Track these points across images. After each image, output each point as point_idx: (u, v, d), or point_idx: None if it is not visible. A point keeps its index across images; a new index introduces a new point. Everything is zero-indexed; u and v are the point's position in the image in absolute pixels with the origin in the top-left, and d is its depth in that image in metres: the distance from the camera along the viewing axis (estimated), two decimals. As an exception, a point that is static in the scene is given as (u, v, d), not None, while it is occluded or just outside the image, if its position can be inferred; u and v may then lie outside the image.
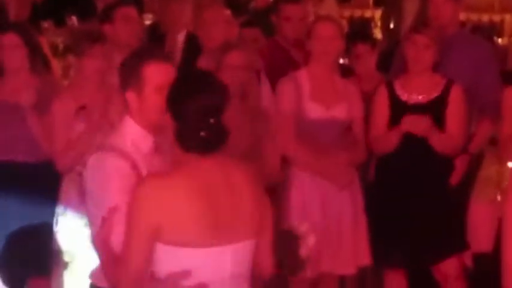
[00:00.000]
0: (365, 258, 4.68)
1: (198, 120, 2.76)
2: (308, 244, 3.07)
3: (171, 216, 2.73)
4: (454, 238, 4.65)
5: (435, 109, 4.61)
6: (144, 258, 2.75)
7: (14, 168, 4.74)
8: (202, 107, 2.77)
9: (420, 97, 4.64)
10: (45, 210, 4.67)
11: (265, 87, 4.90)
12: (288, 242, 3.06)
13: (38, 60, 4.88)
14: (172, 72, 2.99)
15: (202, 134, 2.76)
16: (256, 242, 2.87)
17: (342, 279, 4.92)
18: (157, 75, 2.96)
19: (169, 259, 2.76)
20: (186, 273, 2.74)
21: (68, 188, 4.61)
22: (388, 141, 4.61)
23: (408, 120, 4.53)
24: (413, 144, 4.57)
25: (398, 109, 4.64)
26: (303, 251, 3.07)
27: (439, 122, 4.59)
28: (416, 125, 4.52)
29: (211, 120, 2.77)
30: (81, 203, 4.21)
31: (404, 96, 4.67)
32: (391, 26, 7.13)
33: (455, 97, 4.63)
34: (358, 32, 6.75)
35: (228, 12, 5.15)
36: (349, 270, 4.70)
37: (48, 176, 4.66)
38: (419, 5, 6.31)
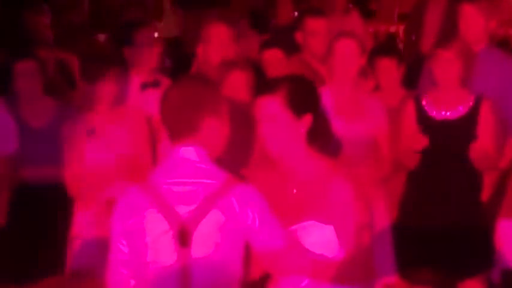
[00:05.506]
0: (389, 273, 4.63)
1: None
2: None
3: None
4: (482, 256, 4.58)
5: (465, 125, 4.53)
6: None
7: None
8: None
9: (449, 113, 4.56)
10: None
11: None
12: None
13: (57, 84, 5.01)
14: None
15: None
16: None
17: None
18: None
19: None
20: None
21: (80, 212, 4.59)
22: (414, 156, 4.53)
23: None
24: (444, 159, 4.52)
25: (426, 124, 4.56)
26: None
27: (469, 137, 4.49)
28: None
29: None
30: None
31: (432, 111, 4.59)
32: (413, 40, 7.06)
33: (486, 112, 4.53)
34: (383, 46, 6.67)
35: (231, 31, 5.02)
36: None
37: (57, 199, 4.72)
38: (442, 18, 6.25)
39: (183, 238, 2.79)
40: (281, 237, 2.89)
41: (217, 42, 4.84)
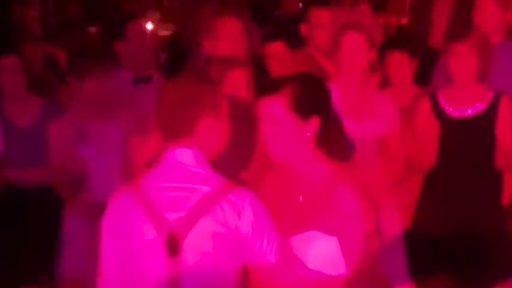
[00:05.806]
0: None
1: None
2: None
3: None
4: (502, 263, 4.43)
5: (483, 122, 4.41)
6: None
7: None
8: None
9: (466, 110, 4.44)
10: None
11: None
12: None
13: (45, 79, 5.07)
14: None
15: None
16: None
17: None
18: None
19: None
20: None
21: (71, 215, 4.49)
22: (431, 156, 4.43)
23: None
24: (461, 159, 4.42)
25: (443, 122, 4.44)
26: None
27: (487, 135, 4.39)
28: None
29: None
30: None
31: (449, 108, 4.47)
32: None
33: (506, 109, 4.42)
34: (394, 39, 6.54)
35: (241, 25, 4.83)
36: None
37: (45, 202, 4.70)
38: (451, 8, 6.11)
39: (172, 246, 2.69)
40: (276, 250, 2.78)
41: (228, 37, 4.65)
